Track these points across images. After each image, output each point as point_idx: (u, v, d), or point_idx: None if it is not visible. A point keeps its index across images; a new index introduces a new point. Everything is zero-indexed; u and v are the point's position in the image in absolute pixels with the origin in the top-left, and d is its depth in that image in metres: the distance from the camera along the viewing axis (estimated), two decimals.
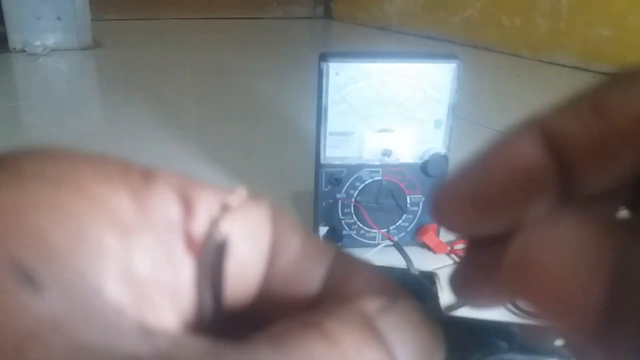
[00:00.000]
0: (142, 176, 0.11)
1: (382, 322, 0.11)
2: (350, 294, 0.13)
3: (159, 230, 0.11)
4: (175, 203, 0.12)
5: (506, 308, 0.42)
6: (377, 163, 0.46)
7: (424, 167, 0.46)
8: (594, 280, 0.10)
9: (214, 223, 0.12)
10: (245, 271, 0.12)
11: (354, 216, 0.47)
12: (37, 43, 1.40)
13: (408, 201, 0.47)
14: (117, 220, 0.10)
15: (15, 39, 1.39)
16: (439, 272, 0.48)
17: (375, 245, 0.48)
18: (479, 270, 0.14)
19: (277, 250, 0.13)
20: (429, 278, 0.49)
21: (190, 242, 0.11)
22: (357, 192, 0.46)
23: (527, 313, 0.38)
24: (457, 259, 0.47)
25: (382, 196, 0.46)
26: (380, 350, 0.10)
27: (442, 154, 0.45)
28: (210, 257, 0.11)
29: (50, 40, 1.43)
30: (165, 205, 0.11)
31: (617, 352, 0.10)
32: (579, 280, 0.10)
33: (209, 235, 0.12)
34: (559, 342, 0.31)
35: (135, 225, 0.11)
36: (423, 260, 0.47)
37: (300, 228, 0.13)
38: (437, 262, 0.47)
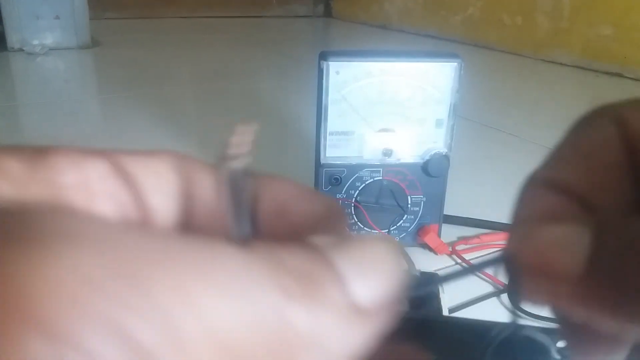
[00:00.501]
0: (34, 150, 0.12)
1: (334, 255, 0.10)
2: (294, 219, 0.13)
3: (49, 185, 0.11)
4: (71, 170, 0.12)
5: (507, 309, 0.41)
6: (378, 163, 0.45)
7: (425, 167, 0.45)
8: (575, 252, 0.12)
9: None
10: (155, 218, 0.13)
11: (355, 216, 0.47)
12: (35, 42, 1.40)
13: (409, 201, 0.47)
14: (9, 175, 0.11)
15: (13, 38, 1.39)
16: (440, 273, 0.47)
17: None
18: None
19: (193, 193, 0.13)
20: (430, 279, 0.49)
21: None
22: (357, 192, 0.46)
23: (528, 314, 0.38)
24: (459, 260, 0.47)
25: (383, 196, 0.46)
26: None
27: (444, 153, 0.45)
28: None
29: (49, 39, 1.43)
30: (59, 169, 0.12)
31: (598, 314, 0.12)
32: (565, 255, 0.12)
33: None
34: (560, 344, 0.31)
35: (26, 180, 0.11)
36: (424, 261, 0.46)
37: (211, 167, 0.13)
38: (439, 263, 0.47)
